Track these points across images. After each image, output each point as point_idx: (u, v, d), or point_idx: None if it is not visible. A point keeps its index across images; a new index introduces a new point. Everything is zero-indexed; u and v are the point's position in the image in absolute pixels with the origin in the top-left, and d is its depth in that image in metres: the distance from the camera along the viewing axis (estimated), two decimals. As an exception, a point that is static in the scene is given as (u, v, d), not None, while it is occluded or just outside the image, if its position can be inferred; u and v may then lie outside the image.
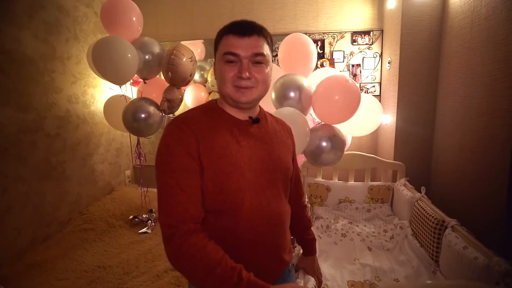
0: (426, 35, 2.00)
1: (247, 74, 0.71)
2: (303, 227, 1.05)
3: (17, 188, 1.90)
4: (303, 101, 1.89)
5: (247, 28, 0.72)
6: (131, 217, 2.40)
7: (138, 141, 2.34)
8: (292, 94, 1.87)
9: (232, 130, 0.76)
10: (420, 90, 2.06)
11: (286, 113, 1.77)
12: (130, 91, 2.30)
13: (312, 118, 2.08)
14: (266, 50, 0.74)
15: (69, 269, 1.83)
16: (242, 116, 0.79)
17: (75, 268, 1.84)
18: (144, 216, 2.42)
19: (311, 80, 2.01)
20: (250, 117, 0.80)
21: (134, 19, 2.09)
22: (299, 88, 1.87)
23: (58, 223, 2.21)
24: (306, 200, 2.02)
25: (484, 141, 1.51)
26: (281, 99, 1.88)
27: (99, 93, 2.64)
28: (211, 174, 0.70)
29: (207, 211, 0.72)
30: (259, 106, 0.85)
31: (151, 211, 2.44)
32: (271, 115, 0.92)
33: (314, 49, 2.08)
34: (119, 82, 2.06)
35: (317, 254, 1.62)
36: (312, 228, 1.62)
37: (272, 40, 0.79)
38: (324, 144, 1.87)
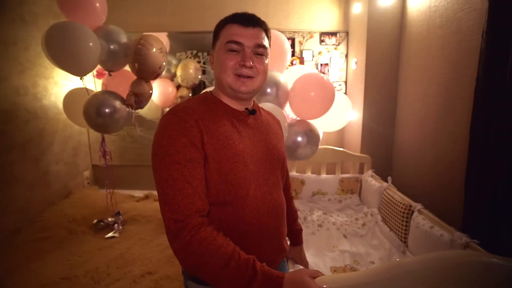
0: (388, 39, 2.20)
1: (251, 62, 0.71)
2: (291, 219, 1.08)
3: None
4: (280, 97, 1.94)
5: (251, 19, 0.73)
6: (95, 221, 2.20)
7: (103, 138, 2.14)
8: (269, 90, 1.90)
9: (232, 121, 0.76)
10: (382, 89, 2.26)
11: (266, 109, 1.79)
12: (94, 84, 2.09)
13: (286, 114, 2.14)
14: (267, 43, 0.76)
15: (24, 285, 1.61)
16: (238, 107, 0.79)
17: (31, 282, 1.63)
18: (110, 219, 2.23)
19: (286, 77, 2.07)
20: (246, 108, 0.80)
21: (97, 4, 1.90)
22: (276, 84, 1.91)
23: (4, 233, 1.92)
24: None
25: (440, 134, 1.72)
26: (259, 95, 1.89)
27: (52, 85, 2.35)
28: (216, 165, 0.69)
29: (211, 203, 0.70)
30: (253, 100, 0.86)
31: (118, 213, 2.26)
32: (262, 108, 0.93)
33: (288, 47, 2.14)
34: (79, 73, 1.87)
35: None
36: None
37: (271, 34, 0.81)
38: (300, 139, 1.94)
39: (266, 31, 0.76)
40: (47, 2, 2.26)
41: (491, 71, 1.09)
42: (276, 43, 2.09)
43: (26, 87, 2.11)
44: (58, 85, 2.40)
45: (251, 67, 0.72)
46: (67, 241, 2.02)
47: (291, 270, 1.10)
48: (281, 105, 1.97)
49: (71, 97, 2.05)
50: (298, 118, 2.03)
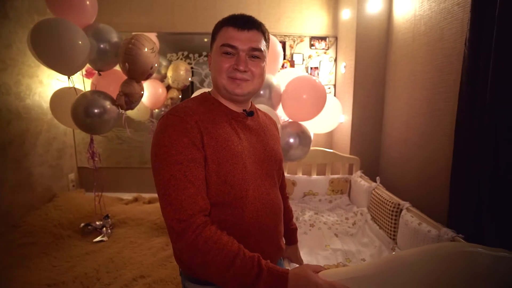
0: (375, 44, 2.29)
1: (243, 67, 0.71)
2: (287, 218, 1.09)
3: None
4: (273, 99, 1.97)
5: (246, 22, 0.73)
6: (82, 225, 2.13)
7: (92, 139, 2.08)
8: (262, 92, 1.93)
9: (231, 123, 0.77)
10: (371, 92, 2.35)
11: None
12: (83, 83, 2.03)
13: (279, 116, 2.17)
14: (263, 45, 0.76)
15: (7, 292, 1.53)
16: (236, 109, 0.80)
17: (16, 290, 1.55)
18: (98, 223, 2.16)
19: (278, 80, 2.10)
20: (244, 110, 0.81)
21: (87, 2, 1.86)
22: (269, 87, 1.94)
23: (-15, 239, 1.82)
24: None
25: (425, 137, 1.80)
26: (253, 97, 1.92)
27: (36, 84, 2.26)
28: (215, 166, 0.70)
29: (210, 204, 0.71)
30: (251, 101, 0.87)
31: (107, 216, 2.20)
32: (259, 109, 0.94)
33: (280, 50, 2.18)
34: (67, 72, 1.82)
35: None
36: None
37: (269, 36, 0.81)
38: (292, 140, 1.98)
39: (264, 33, 0.76)
40: (31, -2, 2.19)
41: (474, 76, 1.17)
42: (269, 46, 2.13)
43: (8, 86, 2.02)
44: (43, 84, 2.32)
45: (245, 71, 0.72)
46: (53, 246, 1.94)
47: (287, 268, 1.12)
48: (273, 107, 2.00)
49: (58, 96, 1.98)
50: (290, 120, 2.07)
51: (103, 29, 1.91)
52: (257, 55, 0.73)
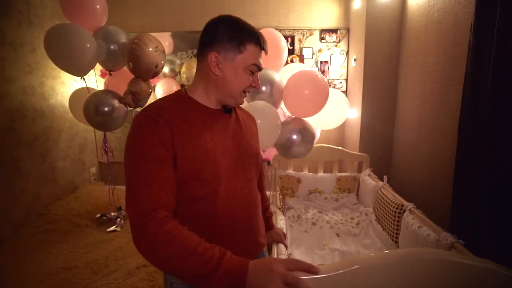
0: (388, 35, 2.15)
1: (259, 86, 0.81)
2: (264, 208, 1.09)
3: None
4: (275, 95, 1.94)
5: (267, 49, 0.80)
6: (98, 215, 2.29)
7: (105, 136, 2.22)
8: (263, 88, 1.91)
9: (205, 120, 0.77)
10: (382, 86, 2.22)
11: (258, 107, 1.80)
12: (98, 83, 2.17)
13: (283, 112, 2.14)
14: None
15: (29, 274, 1.71)
16: (215, 105, 0.81)
17: (36, 272, 1.72)
18: (112, 214, 2.32)
19: (282, 75, 2.07)
20: (223, 107, 0.82)
21: (97, 6, 1.97)
22: (270, 83, 1.92)
23: (12, 225, 2.03)
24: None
25: (435, 133, 1.67)
26: (253, 93, 1.91)
27: (59, 85, 2.45)
28: (186, 163, 0.71)
29: (184, 199, 0.73)
30: None
31: (120, 208, 2.35)
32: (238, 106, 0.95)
33: (285, 45, 2.13)
34: (78, 73, 1.95)
35: (289, 242, 1.71)
36: (283, 218, 1.69)
37: None
38: (294, 137, 1.94)
39: None
40: (53, 4, 2.36)
41: (478, 66, 1.06)
42: (271, 41, 2.09)
43: (34, 87, 2.21)
44: (65, 85, 2.51)
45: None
46: (71, 233, 2.12)
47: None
48: (275, 103, 1.97)
49: (76, 96, 2.14)
50: (293, 116, 2.03)
51: (112, 31, 2.02)
52: None
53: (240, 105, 0.96)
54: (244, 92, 0.79)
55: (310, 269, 0.61)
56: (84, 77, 2.01)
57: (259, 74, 0.84)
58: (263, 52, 0.78)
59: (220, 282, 0.61)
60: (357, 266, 0.66)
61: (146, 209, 0.66)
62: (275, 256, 1.13)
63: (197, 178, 0.72)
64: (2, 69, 1.98)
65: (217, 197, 0.75)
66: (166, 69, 2.85)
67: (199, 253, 0.63)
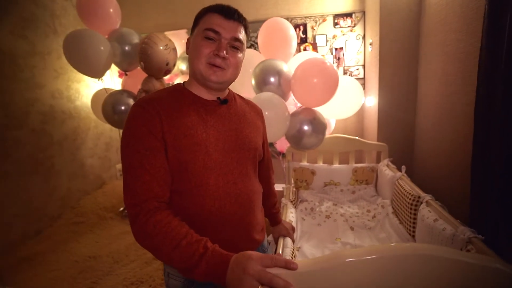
0: (405, 14, 1.99)
1: (224, 53, 0.72)
2: (271, 203, 1.08)
3: (4, 184, 1.93)
4: (283, 86, 1.89)
5: (232, 12, 0.75)
6: (121, 209, 2.44)
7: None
8: (272, 79, 1.87)
9: (199, 111, 0.77)
10: (400, 71, 2.06)
11: (265, 98, 1.77)
12: (117, 83, 2.29)
13: (294, 102, 2.08)
14: (244, 38, 0.78)
15: (60, 261, 1.88)
16: (209, 97, 0.80)
17: (66, 260, 1.89)
18: (134, 207, 2.45)
19: (292, 65, 2.01)
20: (218, 98, 0.81)
21: (111, 10, 2.07)
22: (278, 73, 1.87)
23: (48, 217, 2.24)
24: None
25: (458, 119, 1.52)
26: (261, 85, 1.88)
27: (84, 87, 2.63)
28: (176, 153, 0.71)
29: (173, 190, 0.73)
30: (229, 89, 0.86)
31: (141, 202, 2.48)
32: (241, 97, 0.92)
33: (294, 34, 2.07)
34: (94, 75, 2.06)
35: (299, 235, 1.67)
36: (294, 211, 1.66)
37: (249, 32, 0.82)
38: (305, 127, 1.88)
39: (245, 28, 0.78)
40: (74, 13, 2.52)
41: (494, 37, 0.93)
42: (278, 31, 2.04)
43: (61, 91, 2.40)
44: (89, 87, 2.68)
45: (224, 58, 0.73)
46: (98, 225, 2.28)
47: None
48: (284, 94, 1.93)
49: (96, 97, 2.28)
50: (303, 107, 1.97)
51: (125, 33, 2.11)
52: (237, 45, 0.75)
53: (245, 97, 0.94)
54: (210, 64, 0.73)
55: (287, 265, 0.58)
56: (102, 78, 2.13)
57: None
58: (225, 19, 0.73)
59: (201, 278, 0.62)
60: (339, 261, 0.62)
61: (137, 199, 0.68)
62: (281, 250, 1.11)
63: (186, 169, 0.72)
64: (33, 76, 2.17)
65: (205, 190, 0.74)
66: (183, 66, 2.91)
67: (183, 246, 0.64)
